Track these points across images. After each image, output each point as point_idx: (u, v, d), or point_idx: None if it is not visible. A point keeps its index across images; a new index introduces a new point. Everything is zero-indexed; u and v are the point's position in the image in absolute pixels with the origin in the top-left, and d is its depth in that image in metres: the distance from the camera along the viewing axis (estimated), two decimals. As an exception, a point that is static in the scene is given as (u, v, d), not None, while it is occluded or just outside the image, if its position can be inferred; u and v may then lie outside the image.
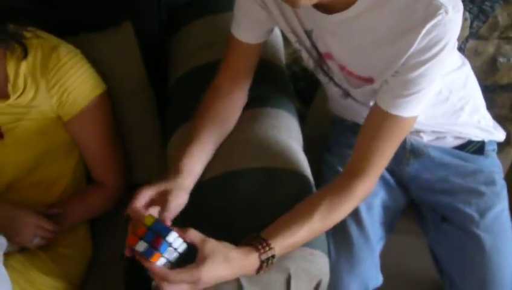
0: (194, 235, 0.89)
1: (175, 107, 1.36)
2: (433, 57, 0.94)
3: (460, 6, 0.95)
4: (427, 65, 0.95)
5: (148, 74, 1.43)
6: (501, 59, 1.83)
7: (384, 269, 1.24)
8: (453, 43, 0.96)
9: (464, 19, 1.70)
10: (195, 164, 1.06)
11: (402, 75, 0.97)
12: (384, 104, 1.00)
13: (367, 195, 1.05)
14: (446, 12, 0.90)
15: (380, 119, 1.01)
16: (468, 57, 1.80)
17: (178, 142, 1.23)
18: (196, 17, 1.50)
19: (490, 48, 1.80)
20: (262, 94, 1.27)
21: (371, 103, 1.08)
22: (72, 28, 1.35)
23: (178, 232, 0.88)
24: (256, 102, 1.24)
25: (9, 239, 1.13)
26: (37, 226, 1.20)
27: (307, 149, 1.26)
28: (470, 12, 1.71)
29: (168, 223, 0.92)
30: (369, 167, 1.02)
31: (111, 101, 1.32)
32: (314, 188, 1.13)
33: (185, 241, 0.89)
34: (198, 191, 1.07)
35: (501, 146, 2.03)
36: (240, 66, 1.18)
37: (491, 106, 1.93)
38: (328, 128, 1.46)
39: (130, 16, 1.42)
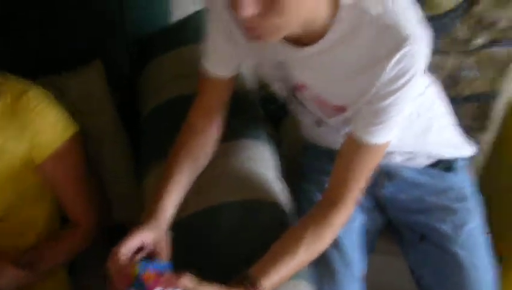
0: (187, 282, 0.89)
1: (147, 143, 1.36)
2: (402, 86, 0.97)
3: (427, 35, 0.98)
4: (397, 94, 0.98)
5: (121, 110, 1.43)
6: (463, 72, 1.88)
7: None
8: (422, 72, 0.99)
9: (425, 36, 1.75)
10: (171, 204, 1.08)
11: (373, 105, 1.00)
12: (357, 132, 1.03)
13: (347, 221, 1.08)
14: (414, 42, 0.93)
15: (354, 147, 1.03)
16: (430, 70, 1.86)
17: (153, 181, 1.23)
18: (165, 50, 1.50)
19: (451, 62, 1.85)
20: (236, 126, 1.28)
21: (345, 130, 1.11)
22: (41, 68, 1.35)
23: (171, 278, 0.88)
24: (231, 134, 1.25)
25: None
26: (14, 277, 1.18)
27: (282, 175, 1.28)
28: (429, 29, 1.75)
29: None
30: (346, 193, 1.05)
31: (83, 140, 1.32)
32: (291, 217, 1.15)
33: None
34: (180, 227, 1.08)
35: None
36: (213, 101, 1.19)
37: (455, 117, 2.00)
38: (301, 154, 1.47)
39: (98, 53, 1.42)
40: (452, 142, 1.32)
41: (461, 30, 1.76)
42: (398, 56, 0.93)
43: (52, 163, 1.25)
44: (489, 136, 2.04)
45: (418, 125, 1.24)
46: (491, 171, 1.97)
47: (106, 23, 1.43)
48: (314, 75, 1.07)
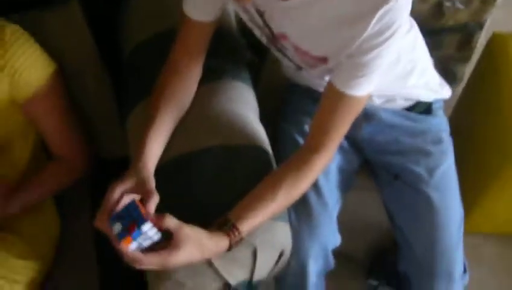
0: (170, 222, 0.92)
1: (130, 82, 1.36)
2: (385, 40, 0.98)
3: None
4: (380, 48, 0.99)
5: (102, 46, 1.41)
6: (447, 3, 1.87)
7: (340, 223, 1.32)
8: (404, 26, 1.00)
9: (411, -33, 1.72)
10: (157, 148, 1.09)
11: (355, 58, 1.01)
12: (338, 84, 1.05)
13: (326, 166, 1.12)
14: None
15: (336, 98, 1.06)
16: (414, 2, 1.84)
17: (136, 121, 1.25)
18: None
19: (436, -7, 1.84)
20: (217, 66, 1.27)
21: (325, 78, 1.12)
22: (16, 5, 1.31)
23: (154, 219, 0.92)
24: (212, 75, 1.25)
25: None
26: None
27: (263, 115, 1.30)
28: (416, -41, 1.73)
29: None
30: (327, 141, 1.08)
31: (62, 77, 1.31)
32: (273, 161, 1.18)
33: (160, 229, 0.92)
34: (161, 173, 1.10)
35: (447, 84, 2.12)
36: (195, 43, 1.18)
37: (438, 47, 2.00)
38: (282, 94, 1.49)
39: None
40: (430, 85, 1.34)
41: (447, -39, 1.74)
42: (381, 11, 0.94)
43: (36, 101, 1.24)
44: (471, 66, 2.07)
45: (399, 68, 1.25)
46: (467, 103, 2.01)
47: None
48: (294, 26, 1.07)
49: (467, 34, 1.98)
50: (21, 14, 1.30)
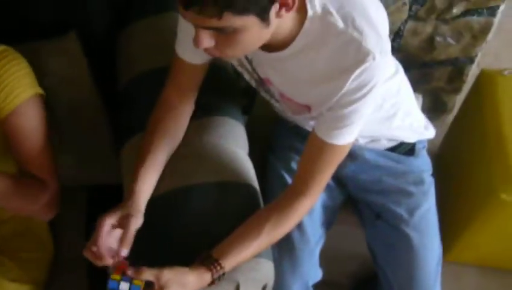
0: (148, 274, 0.97)
1: (125, 114, 1.40)
2: (362, 96, 1.03)
3: (388, 48, 1.03)
4: (358, 103, 1.04)
5: (99, 76, 1.45)
6: (438, 38, 1.92)
7: (323, 253, 1.37)
8: (382, 82, 1.04)
9: (403, 3, 1.78)
10: (149, 186, 1.14)
11: (335, 111, 1.06)
12: (320, 133, 1.10)
13: (309, 210, 1.16)
14: (374, 58, 0.98)
15: (318, 146, 1.10)
16: (406, 37, 1.90)
17: (131, 153, 1.29)
18: (144, 15, 1.50)
19: (428, 28, 1.88)
20: (208, 101, 1.31)
21: (310, 123, 1.17)
22: (18, 35, 1.34)
23: (133, 274, 0.97)
24: (202, 111, 1.29)
25: None
26: None
27: (251, 148, 1.34)
28: (408, -3, 1.78)
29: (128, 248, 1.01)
30: (310, 187, 1.13)
31: (46, 109, 1.32)
32: (260, 199, 1.23)
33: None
34: (151, 207, 1.14)
35: (437, 114, 2.17)
36: (186, 82, 1.23)
37: (429, 80, 2.06)
38: (272, 126, 1.53)
39: (74, 18, 1.43)
40: (414, 127, 1.38)
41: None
42: (359, 70, 0.99)
43: (15, 117, 1.24)
44: (462, 96, 2.12)
45: (382, 112, 1.29)
46: (455, 135, 2.05)
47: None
48: (278, 76, 1.12)
49: (458, 67, 2.04)
50: (20, 44, 1.32)
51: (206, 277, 1.02)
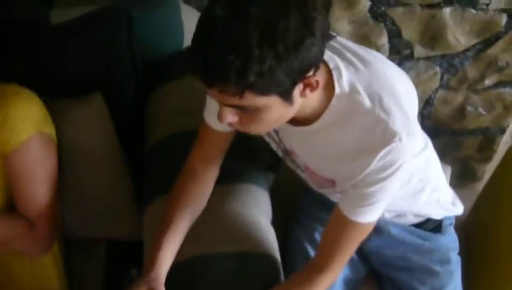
0: None
1: (150, 174, 1.40)
2: (388, 176, 1.01)
3: (416, 129, 1.01)
4: (383, 183, 1.02)
5: (127, 137, 1.47)
6: (469, 107, 1.90)
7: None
8: (410, 160, 1.02)
9: (434, 73, 1.77)
10: (171, 255, 1.13)
11: (360, 189, 1.04)
12: (345, 210, 1.08)
13: (330, 285, 1.13)
14: (400, 140, 0.97)
15: (342, 223, 1.08)
16: (437, 105, 1.88)
17: (153, 215, 1.28)
18: (174, 78, 1.52)
19: (459, 98, 1.87)
20: (233, 167, 1.31)
21: (336, 195, 1.15)
22: (41, 91, 1.35)
23: None
24: (227, 177, 1.28)
25: None
26: None
27: (275, 214, 1.32)
28: (440, 67, 1.77)
29: None
30: (332, 262, 1.10)
31: (56, 153, 1.32)
32: (281, 271, 1.20)
33: None
34: (170, 273, 1.13)
35: (466, 182, 2.13)
36: (213, 149, 1.23)
37: (458, 148, 2.03)
38: (297, 192, 1.52)
39: (106, 78, 1.45)
40: (442, 203, 1.35)
41: (470, 70, 1.78)
42: (385, 151, 0.97)
43: (18, 155, 1.24)
44: (492, 166, 2.08)
45: (409, 187, 1.27)
46: (486, 206, 2.00)
47: (113, 50, 1.44)
48: (303, 149, 1.11)
49: (488, 137, 2.01)
50: (45, 101, 1.34)
51: None
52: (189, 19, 1.55)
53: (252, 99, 0.86)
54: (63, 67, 1.43)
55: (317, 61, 0.89)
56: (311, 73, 0.88)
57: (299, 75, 0.86)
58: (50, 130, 1.30)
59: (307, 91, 0.91)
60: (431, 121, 1.93)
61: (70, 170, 1.38)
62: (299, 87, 0.89)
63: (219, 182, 1.26)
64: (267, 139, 1.22)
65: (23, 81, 1.33)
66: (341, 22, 1.63)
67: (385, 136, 0.97)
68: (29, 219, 1.30)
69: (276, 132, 1.15)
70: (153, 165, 1.42)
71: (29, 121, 1.24)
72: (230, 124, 0.95)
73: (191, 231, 1.19)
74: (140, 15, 1.45)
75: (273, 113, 0.91)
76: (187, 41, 1.59)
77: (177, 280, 1.13)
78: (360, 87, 0.98)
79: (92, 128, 1.40)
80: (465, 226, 1.99)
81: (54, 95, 1.40)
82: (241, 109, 0.90)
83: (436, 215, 1.36)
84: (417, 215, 1.35)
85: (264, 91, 0.85)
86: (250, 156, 1.39)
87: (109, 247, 1.54)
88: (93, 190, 1.44)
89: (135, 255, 1.28)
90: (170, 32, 1.57)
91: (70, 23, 1.42)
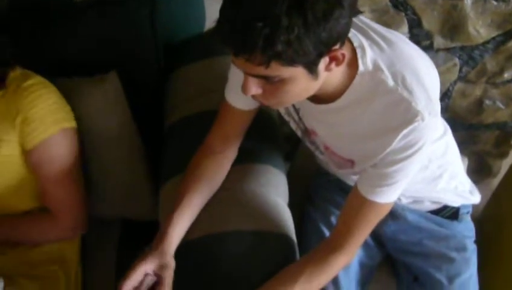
0: None
1: (169, 154, 1.41)
2: (409, 156, 1.01)
3: (438, 110, 1.01)
4: (403, 163, 1.02)
5: (147, 114, 1.48)
6: (487, 101, 1.89)
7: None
8: (430, 142, 1.03)
9: (454, 65, 1.76)
10: (181, 230, 1.14)
11: (380, 169, 1.04)
12: (363, 190, 1.08)
13: (346, 265, 1.14)
14: (422, 119, 0.97)
15: (359, 202, 1.08)
16: (455, 98, 1.88)
17: (170, 193, 1.29)
18: (195, 59, 1.53)
19: (477, 91, 1.86)
20: (251, 147, 1.31)
21: (353, 177, 1.15)
22: (57, 71, 1.38)
23: None
24: (245, 156, 1.29)
25: None
26: None
27: (291, 195, 1.32)
28: (459, 58, 1.77)
29: None
30: (348, 243, 1.10)
31: (78, 140, 1.33)
32: (297, 251, 1.21)
33: None
34: (185, 250, 1.14)
35: (482, 177, 2.12)
36: (232, 128, 1.23)
37: (475, 142, 2.02)
38: (313, 176, 1.52)
39: (128, 58, 1.46)
40: (459, 190, 1.35)
41: (490, 63, 1.77)
42: (407, 130, 0.97)
43: (39, 152, 1.25)
44: (508, 161, 2.07)
45: (428, 172, 1.27)
46: (500, 201, 1.99)
47: (136, 31, 1.45)
48: (324, 128, 1.11)
49: (505, 132, 2.00)
50: (61, 80, 1.36)
51: None
52: (211, 2, 1.56)
53: (278, 70, 0.86)
54: (84, 46, 1.44)
55: (344, 35, 0.89)
56: (337, 46, 0.88)
57: (326, 47, 0.86)
58: (72, 122, 1.31)
59: (332, 65, 0.91)
60: (448, 114, 1.92)
61: (85, 148, 1.39)
62: (324, 61, 0.90)
63: (237, 161, 1.27)
64: (286, 118, 1.22)
65: (45, 60, 1.34)
66: (362, 10, 1.63)
67: (407, 115, 0.97)
68: (51, 210, 1.33)
69: (297, 110, 1.16)
70: (170, 145, 1.43)
71: (50, 121, 1.25)
72: (253, 97, 0.96)
73: (206, 210, 1.20)
74: (162, -4, 1.46)
75: (298, 86, 0.91)
76: (208, 25, 1.60)
77: (192, 257, 1.14)
78: (383, 66, 0.98)
79: (106, 108, 1.41)
80: (480, 220, 1.98)
81: (74, 74, 1.42)
82: (266, 80, 0.90)
83: (453, 202, 1.36)
84: (434, 202, 1.35)
85: (291, 61, 0.85)
86: (267, 138, 1.39)
87: (123, 227, 1.55)
88: (108, 168, 1.45)
89: (150, 236, 1.29)
90: (192, 15, 1.58)
91: (94, 2, 1.43)
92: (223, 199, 1.23)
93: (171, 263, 1.07)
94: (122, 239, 1.52)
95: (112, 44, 1.45)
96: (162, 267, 1.05)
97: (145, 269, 1.04)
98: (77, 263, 1.43)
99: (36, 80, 1.26)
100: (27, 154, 1.26)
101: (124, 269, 1.08)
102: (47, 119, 1.24)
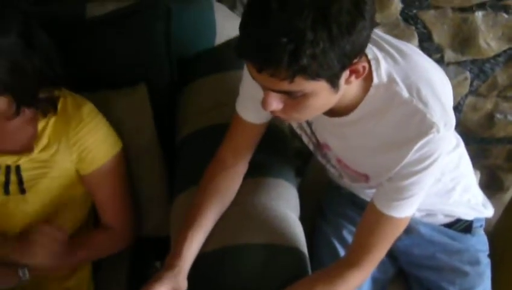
0: None
1: (181, 167, 1.41)
2: (425, 168, 1.00)
3: (453, 121, 1.01)
4: (420, 175, 1.01)
5: (159, 128, 1.49)
6: (498, 115, 1.89)
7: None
8: (450, 144, 1.02)
9: (464, 78, 1.76)
10: (196, 248, 1.13)
11: (395, 182, 1.04)
12: (379, 205, 1.07)
13: (361, 284, 1.12)
14: (438, 131, 0.96)
15: (376, 218, 1.08)
16: (466, 112, 1.87)
17: (181, 207, 1.29)
18: (207, 73, 1.54)
19: (488, 105, 1.86)
20: (262, 161, 1.31)
21: (367, 192, 1.14)
22: (89, 85, 1.41)
23: None
24: (256, 170, 1.29)
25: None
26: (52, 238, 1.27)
27: (302, 208, 1.32)
28: (470, 72, 1.77)
29: None
30: (364, 260, 1.09)
31: (126, 155, 1.39)
32: (309, 265, 1.19)
33: None
34: (197, 264, 1.13)
35: (493, 192, 2.11)
36: (244, 142, 1.23)
37: (486, 156, 2.01)
38: (325, 191, 1.51)
39: (142, 72, 1.47)
40: (472, 203, 1.34)
41: (501, 76, 1.77)
42: (422, 142, 0.97)
43: (97, 176, 1.32)
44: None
45: (440, 185, 1.26)
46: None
47: (152, 46, 1.47)
48: (337, 141, 1.11)
49: (517, 146, 1.99)
50: (91, 92, 1.39)
51: None
52: (222, 17, 1.57)
53: (301, 84, 0.86)
54: (100, 60, 1.46)
55: (364, 47, 0.89)
56: (358, 59, 0.89)
57: (349, 60, 0.86)
58: (120, 143, 1.36)
59: (352, 77, 0.91)
60: (459, 128, 1.90)
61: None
62: (345, 73, 0.90)
63: (248, 175, 1.27)
64: (298, 131, 1.22)
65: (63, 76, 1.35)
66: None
67: (422, 127, 0.96)
68: (112, 225, 1.39)
69: (309, 124, 1.16)
70: (182, 158, 1.43)
71: (105, 149, 1.31)
72: (272, 112, 0.95)
73: (217, 224, 1.19)
74: (175, 10, 1.47)
75: (319, 100, 0.91)
76: (219, 39, 1.60)
77: (204, 270, 1.13)
78: (398, 78, 0.98)
79: (134, 120, 1.44)
80: (492, 235, 1.97)
81: (91, 88, 1.43)
82: (288, 95, 0.89)
83: (467, 216, 1.35)
84: (447, 215, 1.34)
85: (315, 75, 0.85)
86: (279, 152, 1.39)
87: (135, 243, 1.55)
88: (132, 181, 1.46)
89: (161, 252, 1.29)
90: (203, 29, 1.59)
91: (108, 16, 1.45)
92: (234, 213, 1.23)
93: (185, 284, 1.07)
94: (134, 256, 1.52)
95: (127, 57, 1.47)
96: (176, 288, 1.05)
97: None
98: (89, 280, 1.44)
99: (89, 107, 1.30)
100: (83, 178, 1.32)
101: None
102: (103, 147, 1.30)
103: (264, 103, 0.92)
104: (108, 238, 1.40)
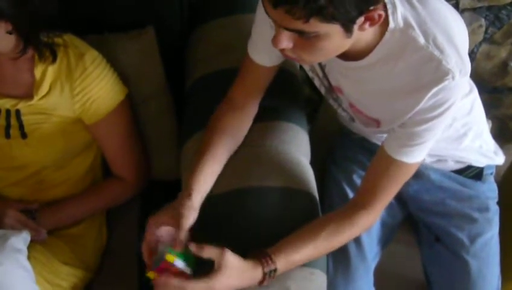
0: (210, 252, 0.97)
1: (190, 111, 1.41)
2: (438, 115, 1.00)
3: (468, 68, 0.99)
4: (433, 122, 1.01)
5: (169, 72, 1.48)
6: (511, 64, 1.86)
7: (376, 273, 1.34)
8: (463, 90, 1.01)
9: (479, 25, 1.73)
10: (205, 183, 1.13)
11: (408, 128, 1.03)
12: (390, 150, 1.07)
13: (370, 226, 1.13)
14: (453, 78, 0.95)
15: (386, 162, 1.08)
16: (479, 60, 1.85)
17: (191, 150, 1.29)
18: (218, 15, 1.52)
19: (502, 53, 1.83)
20: (274, 105, 1.31)
21: (378, 136, 1.14)
22: (95, 26, 1.39)
23: (195, 250, 0.98)
24: (268, 114, 1.29)
25: None
26: (16, 220, 1.28)
27: (313, 154, 1.32)
28: (485, 19, 1.73)
29: (183, 243, 1.02)
30: (374, 202, 1.10)
31: (131, 101, 1.38)
32: (319, 209, 1.21)
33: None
34: (210, 206, 1.14)
35: (502, 142, 2.10)
36: (254, 83, 1.22)
37: (498, 106, 2.00)
38: (335, 137, 1.51)
39: (152, 15, 1.45)
40: (484, 150, 1.34)
41: (517, 24, 1.74)
42: (437, 88, 0.96)
43: (103, 124, 1.31)
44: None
45: (453, 130, 1.26)
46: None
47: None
48: (351, 85, 1.10)
49: (529, 95, 1.97)
50: (98, 35, 1.38)
51: (258, 269, 1.00)
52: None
53: (315, 26, 0.84)
54: (108, 1, 1.42)
55: None
56: (375, 5, 0.87)
57: (366, 6, 0.85)
58: (125, 91, 1.34)
59: (367, 25, 0.90)
60: (472, 77, 1.88)
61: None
62: (360, 20, 0.88)
63: (259, 119, 1.27)
64: (310, 74, 1.21)
65: (70, 18, 1.34)
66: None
67: (438, 73, 0.95)
68: (121, 175, 1.40)
69: (322, 67, 1.14)
70: (192, 103, 1.42)
71: (110, 97, 1.30)
72: (282, 51, 0.94)
73: (229, 165, 1.19)
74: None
75: (331, 43, 0.90)
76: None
77: (216, 213, 1.14)
78: (414, 24, 0.96)
79: (141, 65, 1.42)
80: (501, 184, 1.97)
81: (100, 30, 1.41)
82: (301, 35, 0.88)
83: (477, 162, 1.35)
84: (458, 162, 1.34)
85: (330, 18, 0.83)
86: (290, 97, 1.38)
87: (144, 191, 1.56)
88: (139, 125, 1.46)
89: (171, 195, 1.30)
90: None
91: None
92: (246, 155, 1.23)
93: (189, 213, 1.06)
94: (145, 199, 1.53)
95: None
96: (176, 216, 1.06)
97: (161, 221, 1.05)
98: (103, 218, 1.47)
99: (92, 54, 1.27)
100: (89, 127, 1.32)
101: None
102: (107, 97, 1.29)
103: (274, 40, 0.91)
104: (120, 187, 1.42)
